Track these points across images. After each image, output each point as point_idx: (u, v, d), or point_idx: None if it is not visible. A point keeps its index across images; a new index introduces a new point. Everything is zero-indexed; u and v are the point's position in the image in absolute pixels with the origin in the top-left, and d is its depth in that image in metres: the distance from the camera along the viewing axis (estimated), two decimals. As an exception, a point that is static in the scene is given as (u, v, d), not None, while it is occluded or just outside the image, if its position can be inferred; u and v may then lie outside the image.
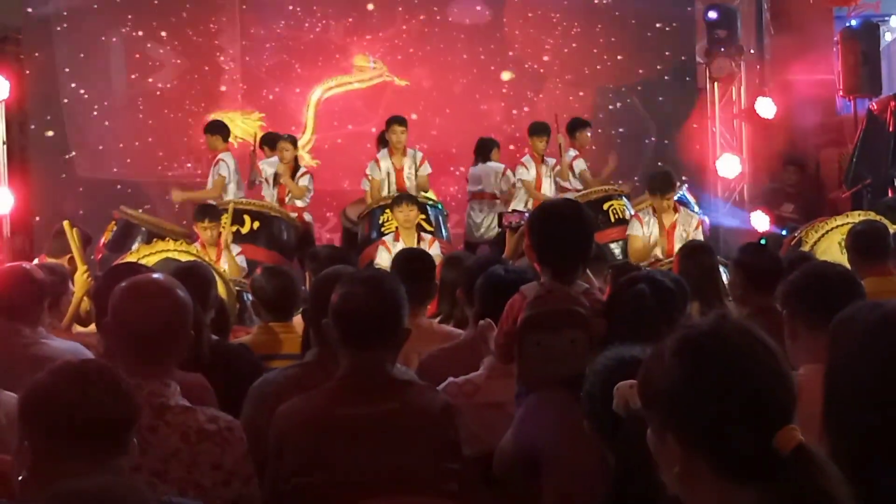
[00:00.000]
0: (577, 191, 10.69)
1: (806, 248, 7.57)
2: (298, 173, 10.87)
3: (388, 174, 10.88)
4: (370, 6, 13.45)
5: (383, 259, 8.90)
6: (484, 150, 11.53)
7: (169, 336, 3.10)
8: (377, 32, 13.46)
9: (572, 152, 11.23)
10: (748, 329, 1.87)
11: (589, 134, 11.39)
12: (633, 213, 9.94)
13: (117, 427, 2.45)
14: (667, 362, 1.86)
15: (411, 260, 5.35)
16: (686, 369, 1.83)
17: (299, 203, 10.83)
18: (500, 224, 10.92)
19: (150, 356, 3.06)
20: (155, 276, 3.41)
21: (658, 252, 9.02)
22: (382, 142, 11.27)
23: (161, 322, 3.08)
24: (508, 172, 11.40)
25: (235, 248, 9.16)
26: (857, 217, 7.72)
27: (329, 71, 13.41)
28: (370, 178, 10.89)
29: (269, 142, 11.46)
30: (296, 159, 11.09)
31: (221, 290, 6.08)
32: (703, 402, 1.80)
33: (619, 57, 13.45)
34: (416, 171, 10.96)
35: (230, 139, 11.42)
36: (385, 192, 10.67)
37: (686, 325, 1.93)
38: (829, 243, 7.56)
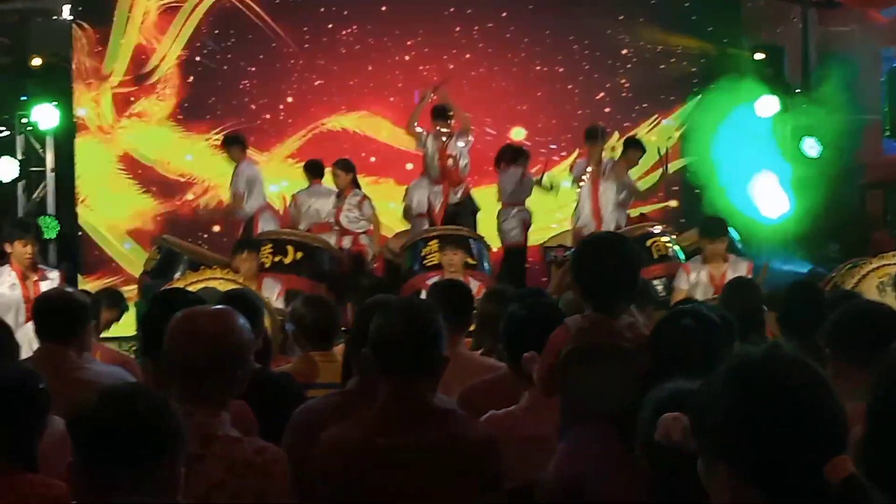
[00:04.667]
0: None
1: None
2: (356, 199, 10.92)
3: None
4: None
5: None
6: (514, 155, 11.56)
7: (221, 371, 3.08)
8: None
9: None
10: (800, 359, 1.86)
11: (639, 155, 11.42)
12: (675, 249, 9.87)
13: (158, 450, 2.44)
14: (719, 392, 1.85)
15: (447, 289, 5.35)
16: (739, 399, 1.82)
17: (357, 227, 10.90)
18: (545, 258, 10.90)
19: (200, 389, 3.05)
20: (213, 308, 3.39)
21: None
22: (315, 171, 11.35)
23: (213, 358, 3.06)
24: (528, 176, 11.48)
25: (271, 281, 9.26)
26: (892, 258, 7.60)
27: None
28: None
29: (312, 169, 11.49)
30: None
31: (266, 318, 6.10)
32: (756, 432, 1.79)
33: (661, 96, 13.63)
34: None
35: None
36: None
37: (739, 354, 1.92)
38: (868, 287, 7.40)
